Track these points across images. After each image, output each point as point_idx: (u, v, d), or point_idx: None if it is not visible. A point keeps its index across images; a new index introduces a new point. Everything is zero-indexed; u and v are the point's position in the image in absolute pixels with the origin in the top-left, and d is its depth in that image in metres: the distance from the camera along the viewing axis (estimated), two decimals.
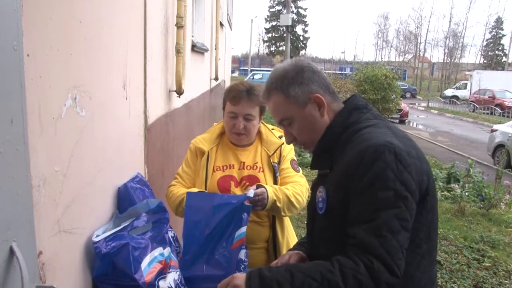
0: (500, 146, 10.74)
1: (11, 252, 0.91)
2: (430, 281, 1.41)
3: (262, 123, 2.23)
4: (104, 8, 1.55)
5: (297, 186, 2.11)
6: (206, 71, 6.25)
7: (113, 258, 1.38)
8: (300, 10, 60.06)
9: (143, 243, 1.47)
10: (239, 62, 60.21)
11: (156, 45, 2.50)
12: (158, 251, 1.52)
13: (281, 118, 1.47)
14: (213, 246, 1.81)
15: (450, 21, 57.38)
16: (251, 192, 1.88)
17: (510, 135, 10.37)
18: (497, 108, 24.98)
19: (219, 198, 1.86)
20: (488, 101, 26.29)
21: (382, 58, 67.89)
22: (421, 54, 59.44)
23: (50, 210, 1.13)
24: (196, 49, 4.56)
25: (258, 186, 1.98)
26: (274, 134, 2.23)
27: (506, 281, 4.23)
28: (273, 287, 1.25)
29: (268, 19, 62.58)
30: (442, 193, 7.22)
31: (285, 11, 27.34)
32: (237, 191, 2.09)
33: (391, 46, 68.53)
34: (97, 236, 1.42)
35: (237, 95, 2.06)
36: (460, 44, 56.66)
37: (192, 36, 4.65)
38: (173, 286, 1.52)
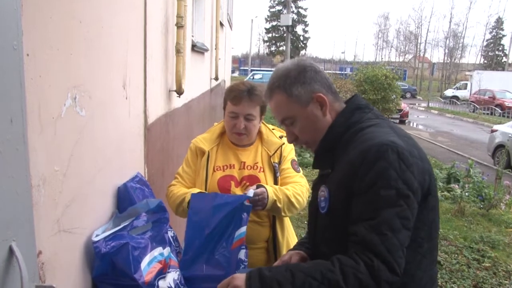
0: (500, 146, 10.74)
1: (11, 251, 0.91)
2: (431, 280, 1.41)
3: (263, 123, 2.23)
4: (104, 8, 1.55)
5: (297, 187, 2.11)
6: (206, 71, 6.25)
7: (113, 257, 1.38)
8: (300, 10, 60.08)
9: (142, 242, 1.46)
10: (239, 62, 60.20)
11: (156, 44, 2.50)
12: (157, 251, 1.52)
13: (283, 117, 1.47)
14: (213, 246, 1.81)
15: (450, 21, 57.53)
16: (251, 192, 1.88)
17: (510, 135, 10.37)
18: (497, 109, 24.98)
19: (220, 198, 1.87)
20: (488, 101, 26.30)
21: (382, 58, 67.96)
22: (421, 54, 59.49)
23: (50, 210, 1.13)
24: (196, 49, 4.56)
25: (258, 186, 1.98)
26: (274, 134, 2.23)
27: (506, 282, 4.24)
28: (273, 286, 1.25)
29: (268, 19, 62.60)
30: (442, 193, 7.21)
31: (285, 11, 27.34)
32: (237, 191, 2.09)
33: (391, 46, 68.62)
34: (97, 235, 1.42)
35: (238, 95, 2.06)
36: (460, 45, 56.70)
37: (192, 36, 4.65)
38: (173, 286, 1.52)
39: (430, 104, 31.18)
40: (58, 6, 1.16)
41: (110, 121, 1.63)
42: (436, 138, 16.12)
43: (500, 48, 60.69)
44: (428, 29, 68.45)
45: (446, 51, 55.72)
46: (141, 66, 2.15)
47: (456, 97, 32.91)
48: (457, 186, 7.05)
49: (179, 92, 3.02)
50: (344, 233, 1.31)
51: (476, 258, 4.70)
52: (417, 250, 1.32)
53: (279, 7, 59.79)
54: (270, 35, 64.42)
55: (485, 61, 60.77)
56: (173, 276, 1.56)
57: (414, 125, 20.46)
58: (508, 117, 22.22)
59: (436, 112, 27.58)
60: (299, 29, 59.46)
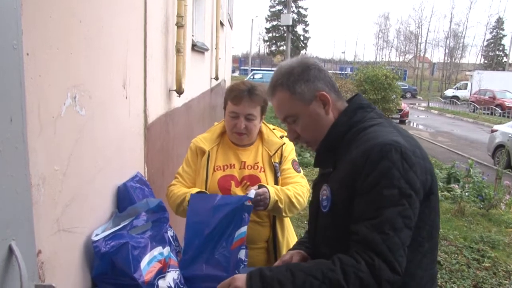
0: (500, 146, 10.74)
1: (10, 250, 0.91)
2: (431, 279, 1.41)
3: (263, 123, 2.23)
4: (104, 7, 1.55)
5: (298, 187, 2.11)
6: (207, 70, 6.24)
7: (113, 257, 1.38)
8: (300, 10, 60.05)
9: (142, 242, 1.46)
10: (239, 62, 60.18)
11: (156, 44, 2.50)
12: (157, 250, 1.52)
13: (285, 115, 1.47)
14: (213, 246, 1.81)
15: (450, 21, 57.58)
16: (252, 193, 1.88)
17: (510, 135, 10.37)
18: (497, 109, 24.97)
19: (220, 199, 1.87)
20: (489, 101, 26.28)
21: (382, 58, 67.96)
22: (422, 54, 59.48)
23: (50, 209, 1.13)
24: (197, 48, 4.56)
25: (260, 186, 1.98)
26: (275, 134, 2.23)
27: (505, 282, 4.24)
28: (274, 286, 1.24)
29: (269, 18, 62.56)
30: (442, 193, 7.21)
31: (285, 11, 27.34)
32: (238, 191, 2.09)
33: (392, 46, 68.59)
34: (97, 235, 1.42)
35: (239, 95, 2.06)
36: (461, 44, 56.65)
37: (193, 35, 4.65)
38: (173, 285, 1.52)
39: (430, 104, 31.18)
40: (58, 5, 1.16)
41: (110, 120, 1.63)
42: (436, 138, 16.12)
43: (501, 48, 60.67)
44: (428, 29, 68.47)
45: (447, 51, 55.74)
46: (141, 65, 2.15)
47: (456, 97, 32.90)
48: (457, 186, 7.05)
49: (179, 91, 3.02)
50: (345, 232, 1.31)
51: (476, 258, 4.70)
52: (418, 249, 1.32)
53: (279, 7, 59.78)
54: (270, 34, 64.39)
55: (486, 61, 60.75)
56: (172, 275, 1.56)
57: (414, 125, 20.46)
58: (508, 117, 22.21)
59: (436, 112, 27.58)
60: (299, 28, 59.45)
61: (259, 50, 76.53)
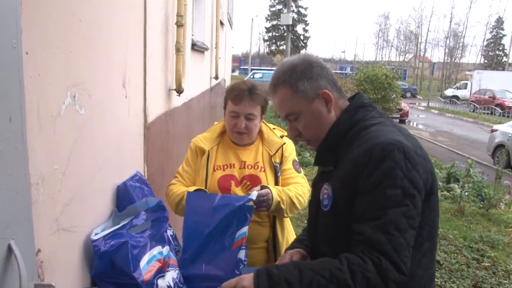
0: (500, 146, 10.74)
1: (9, 250, 0.91)
2: (430, 279, 1.42)
3: (263, 122, 2.23)
4: (104, 6, 1.55)
5: (299, 187, 2.11)
6: (206, 70, 6.24)
7: (112, 256, 1.37)
8: (300, 9, 60.02)
9: (142, 241, 1.46)
10: (239, 61, 60.24)
11: (156, 43, 2.50)
12: (157, 249, 1.52)
13: (287, 113, 1.46)
14: (212, 246, 1.81)
15: (450, 21, 57.54)
16: (254, 194, 1.87)
17: (510, 135, 10.36)
18: (497, 108, 24.97)
19: (220, 198, 1.85)
20: (489, 101, 26.28)
21: (382, 58, 67.96)
22: (422, 54, 59.42)
23: (49, 208, 1.13)
24: (196, 47, 4.55)
25: (263, 187, 1.98)
26: (275, 133, 2.23)
27: (505, 281, 4.24)
28: (281, 284, 1.24)
29: (269, 18, 62.51)
30: (442, 193, 7.22)
31: (285, 10, 27.31)
32: (238, 191, 2.09)
33: (392, 46, 68.55)
34: (96, 234, 1.42)
35: (239, 94, 2.06)
36: (461, 44, 56.61)
37: (192, 34, 4.65)
38: (172, 284, 1.52)
39: (430, 103, 31.17)
40: (57, 4, 1.16)
41: (109, 120, 1.63)
42: (436, 138, 16.12)
43: (501, 48, 60.65)
44: (428, 29, 68.62)
45: (447, 50, 55.69)
46: (141, 64, 2.15)
47: (456, 96, 32.88)
48: (457, 185, 7.05)
49: (179, 91, 3.02)
50: (346, 231, 1.31)
51: (476, 258, 4.71)
52: (418, 249, 1.32)
53: (279, 6, 59.74)
54: (270, 34, 64.35)
55: (486, 61, 60.73)
56: (172, 275, 1.56)
57: (414, 125, 20.45)
58: (508, 116, 22.21)
59: (436, 111, 27.57)
60: (299, 28, 59.41)
61: (259, 50, 76.58)
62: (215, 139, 2.19)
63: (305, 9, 62.66)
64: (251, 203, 1.84)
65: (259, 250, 2.14)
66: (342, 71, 34.51)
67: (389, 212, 1.21)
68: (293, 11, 43.58)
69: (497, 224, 6.05)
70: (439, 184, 7.67)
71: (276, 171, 2.14)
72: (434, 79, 50.62)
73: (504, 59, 56.82)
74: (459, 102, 30.50)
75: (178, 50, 2.88)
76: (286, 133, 2.25)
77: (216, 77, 7.12)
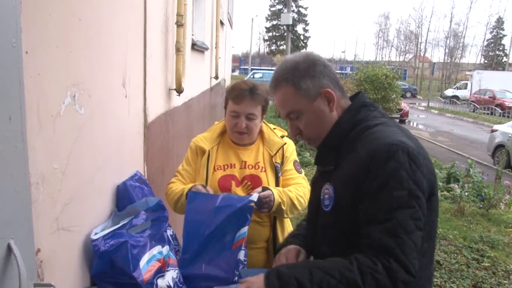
0: (500, 146, 10.74)
1: (9, 249, 0.91)
2: (428, 279, 1.42)
3: (264, 122, 2.23)
4: (104, 6, 1.55)
5: (300, 188, 2.11)
6: (206, 69, 6.24)
7: (112, 256, 1.37)
8: (300, 9, 60.04)
9: (141, 241, 1.46)
10: (239, 61, 60.23)
11: (156, 43, 2.50)
12: (156, 249, 1.52)
13: (288, 111, 1.44)
14: (213, 246, 1.81)
15: (451, 21, 57.51)
16: (255, 196, 1.87)
17: (510, 135, 10.36)
18: (497, 108, 24.96)
19: (222, 199, 1.85)
20: (489, 101, 26.27)
21: (382, 58, 67.95)
22: (422, 54, 59.41)
23: (49, 208, 1.13)
24: (196, 47, 4.55)
25: (264, 188, 1.98)
26: (276, 133, 2.22)
27: (505, 281, 4.24)
28: (292, 284, 1.24)
29: (269, 18, 62.55)
30: (442, 193, 7.22)
31: (285, 10, 27.31)
32: (238, 191, 2.09)
33: (392, 46, 68.54)
34: (96, 234, 1.42)
35: (240, 94, 2.05)
36: (461, 44, 56.60)
37: (192, 34, 4.64)
38: (172, 284, 1.52)
39: (430, 103, 31.16)
40: (57, 4, 1.16)
41: (109, 119, 1.63)
42: (436, 138, 16.12)
43: (501, 48, 60.67)
44: (428, 29, 68.61)
45: (447, 50, 55.67)
46: (141, 64, 2.15)
47: (456, 96, 32.88)
48: (457, 185, 7.05)
49: (179, 90, 3.02)
50: (347, 231, 1.31)
51: (476, 258, 4.70)
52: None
53: (279, 6, 59.77)
54: (270, 34, 64.38)
55: (486, 61, 60.75)
56: (172, 274, 1.56)
57: (414, 125, 20.45)
58: (508, 117, 22.20)
59: (436, 111, 27.57)
60: (299, 28, 59.45)
61: (259, 50, 76.58)
62: (215, 139, 2.19)
63: (305, 9, 62.75)
64: (252, 204, 1.84)
65: (259, 250, 2.14)
66: (342, 71, 34.52)
67: (396, 215, 1.21)
68: (293, 11, 43.59)
69: (497, 224, 6.05)
70: (439, 184, 7.68)
71: (277, 171, 2.14)
72: (434, 79, 50.60)
73: (504, 59, 56.84)
74: (459, 102, 30.50)
75: (178, 50, 2.88)
76: (286, 133, 2.25)
77: (216, 77, 7.12)
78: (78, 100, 1.29)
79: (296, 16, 54.55)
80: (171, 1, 2.88)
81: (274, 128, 2.27)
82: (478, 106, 25.63)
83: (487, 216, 6.32)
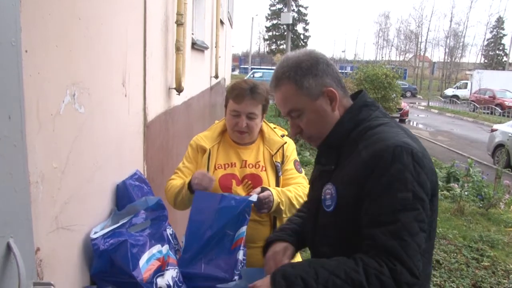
0: (500, 145, 10.74)
1: (8, 248, 0.91)
2: (427, 279, 1.42)
3: (264, 121, 2.23)
4: (104, 5, 1.55)
5: (299, 188, 2.11)
6: (206, 69, 6.24)
7: (111, 255, 1.37)
8: (301, 8, 60.08)
9: (141, 240, 1.46)
10: (239, 60, 60.19)
11: (156, 42, 2.50)
12: (156, 248, 1.52)
13: (290, 109, 1.42)
14: (212, 246, 1.81)
15: (451, 21, 57.47)
16: (254, 197, 1.88)
17: (510, 134, 10.36)
18: (497, 108, 24.97)
19: (223, 199, 1.85)
20: (489, 100, 26.27)
21: (382, 57, 67.91)
22: (422, 53, 59.39)
23: (48, 207, 1.13)
24: (196, 46, 4.55)
25: (263, 189, 1.98)
26: (276, 133, 2.22)
27: (504, 281, 4.24)
28: (298, 284, 1.24)
29: (269, 17, 62.58)
30: (442, 193, 7.22)
31: (286, 10, 27.30)
32: (239, 190, 2.10)
33: (392, 45, 68.51)
34: (95, 233, 1.42)
35: (241, 94, 2.05)
36: (461, 44, 56.57)
37: (192, 33, 4.64)
38: (171, 283, 1.52)
39: (430, 103, 31.16)
40: (57, 3, 1.16)
41: (109, 118, 1.63)
42: (436, 137, 16.12)
43: (501, 48, 60.67)
44: (428, 28, 68.73)
45: (447, 50, 55.63)
46: (140, 63, 2.14)
47: (456, 96, 32.87)
48: (456, 185, 7.05)
49: (179, 90, 3.02)
50: (348, 231, 1.31)
51: (475, 257, 4.71)
52: None
53: (279, 6, 59.79)
54: (270, 33, 64.41)
55: (486, 61, 60.74)
56: (171, 273, 1.56)
57: (414, 124, 20.45)
58: (508, 116, 22.21)
59: (436, 111, 27.57)
60: (299, 27, 59.48)
61: (259, 49, 76.56)
62: (216, 137, 2.19)
63: (306, 8, 62.76)
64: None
65: (259, 249, 2.12)
66: (342, 71, 34.48)
67: (401, 217, 1.21)
68: (293, 10, 43.59)
69: (497, 223, 6.06)
70: (439, 184, 7.68)
71: (277, 170, 2.14)
72: (434, 79, 50.60)
73: (504, 58, 56.86)
74: (459, 102, 30.49)
75: (178, 49, 2.88)
76: (286, 133, 2.25)
77: (216, 76, 7.12)
78: (78, 99, 1.29)
79: (296, 15, 54.60)
80: (171, 0, 2.88)
81: (275, 128, 2.27)
82: (478, 106, 25.64)
83: (486, 215, 6.33)
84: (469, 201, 6.80)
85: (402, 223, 1.20)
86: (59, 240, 1.20)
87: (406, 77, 50.79)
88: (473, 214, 6.35)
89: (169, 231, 1.78)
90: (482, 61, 61.31)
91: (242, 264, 1.77)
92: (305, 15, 61.25)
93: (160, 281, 1.47)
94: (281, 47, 58.18)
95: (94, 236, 1.40)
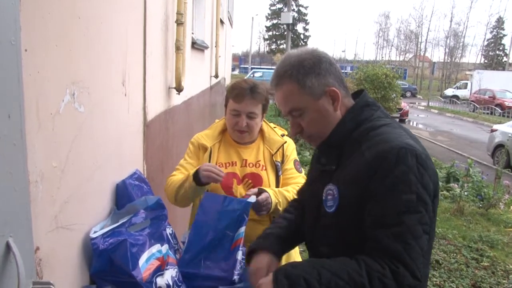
0: (499, 146, 10.74)
1: (8, 247, 0.90)
2: (426, 278, 1.42)
3: (264, 121, 2.23)
4: (104, 4, 1.55)
5: (298, 188, 2.11)
6: (206, 68, 6.24)
7: (111, 254, 1.37)
8: (301, 8, 60.10)
9: (141, 239, 1.46)
10: (239, 60, 60.18)
11: (156, 41, 2.50)
12: (156, 248, 1.52)
13: (291, 108, 1.40)
14: (213, 247, 1.81)
15: (451, 21, 57.48)
16: (253, 198, 1.89)
17: (510, 135, 10.36)
18: (497, 108, 24.98)
19: (227, 203, 1.85)
20: (488, 101, 26.28)
21: (382, 57, 67.93)
22: (422, 54, 59.41)
23: (48, 206, 1.13)
24: (196, 46, 4.55)
25: (260, 190, 1.98)
26: (276, 132, 2.23)
27: (504, 281, 4.24)
28: (301, 284, 1.24)
29: (269, 17, 62.61)
30: (442, 193, 7.22)
31: (286, 9, 27.30)
32: (240, 189, 2.10)
33: (392, 45, 68.51)
34: (95, 232, 1.42)
35: (241, 93, 2.05)
36: (461, 44, 56.59)
37: (192, 33, 4.64)
38: (171, 283, 1.52)
39: (430, 103, 31.16)
40: (57, 2, 1.15)
41: (109, 117, 1.62)
42: (436, 137, 16.13)
43: (501, 48, 60.71)
44: (428, 28, 68.76)
45: (447, 50, 55.66)
46: (140, 63, 2.14)
47: (456, 96, 32.88)
48: (456, 185, 7.05)
49: (179, 89, 3.02)
50: (349, 233, 1.31)
51: (475, 258, 4.71)
52: None
53: (279, 5, 59.82)
54: (270, 33, 64.44)
55: (486, 61, 60.77)
56: (171, 273, 1.56)
57: (414, 124, 20.45)
58: (508, 116, 22.22)
59: (436, 111, 27.57)
60: (299, 27, 59.51)
61: (259, 49, 76.56)
62: (216, 136, 2.19)
63: (306, 8, 62.80)
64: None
65: None
66: (342, 71, 34.44)
67: (405, 219, 1.20)
68: (293, 10, 43.59)
69: (497, 224, 6.06)
70: (439, 185, 7.68)
71: (277, 170, 2.15)
72: (434, 79, 50.56)
73: (504, 59, 56.87)
74: (459, 102, 30.50)
75: (178, 48, 2.87)
76: (286, 132, 2.25)
77: (216, 76, 7.12)
78: (78, 98, 1.29)
79: (296, 15, 54.62)
80: (171, 0, 2.88)
81: (274, 127, 2.27)
82: (478, 106, 25.65)
83: (486, 215, 6.33)
84: (469, 201, 6.80)
85: (406, 225, 1.20)
86: (59, 239, 1.20)
87: (406, 77, 50.81)
88: (472, 214, 6.36)
89: (168, 230, 1.78)
90: (482, 61, 61.34)
91: (242, 264, 1.77)
92: (305, 14, 61.29)
93: (159, 280, 1.47)
94: (281, 46, 58.22)
95: (94, 236, 1.40)
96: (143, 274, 1.39)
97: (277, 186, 2.14)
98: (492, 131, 11.51)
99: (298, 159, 2.26)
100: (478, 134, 17.22)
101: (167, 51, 2.81)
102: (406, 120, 20.04)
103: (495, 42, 59.14)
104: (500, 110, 24.49)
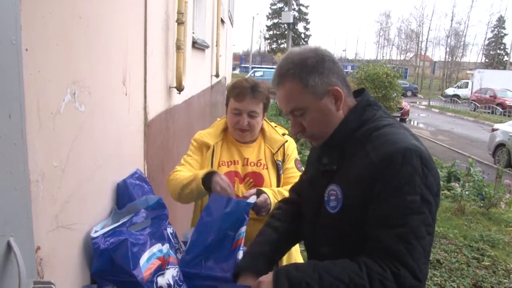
0: (500, 145, 10.74)
1: (9, 247, 0.90)
2: (425, 277, 1.42)
3: (265, 120, 2.23)
4: (105, 4, 1.54)
5: None
6: (207, 67, 6.23)
7: (112, 254, 1.37)
8: (301, 7, 60.08)
9: (141, 239, 1.46)
10: (240, 59, 60.16)
11: (157, 41, 2.50)
12: (156, 247, 1.52)
13: (293, 107, 1.37)
14: (214, 247, 1.81)
15: (452, 20, 57.08)
16: (253, 198, 1.89)
17: (511, 134, 10.36)
18: (498, 107, 24.97)
19: (230, 205, 1.85)
20: (489, 100, 26.26)
21: (383, 56, 67.86)
22: (423, 53, 59.42)
23: (49, 206, 1.13)
24: (197, 45, 4.55)
25: (259, 191, 1.98)
26: (277, 131, 2.23)
27: (505, 280, 4.24)
28: (302, 287, 1.24)
29: (270, 16, 62.62)
30: (443, 192, 7.22)
31: (286, 9, 27.29)
32: (242, 188, 2.11)
33: (393, 45, 68.47)
34: (96, 231, 1.42)
35: (242, 92, 2.06)
36: (462, 43, 56.57)
37: (193, 32, 4.63)
38: (172, 282, 1.52)
39: (431, 102, 31.14)
40: (57, 1, 1.15)
41: (109, 117, 1.62)
42: (436, 137, 16.12)
43: (502, 47, 60.65)
44: (429, 28, 68.64)
45: (448, 49, 55.61)
46: (141, 62, 2.14)
47: (457, 95, 32.85)
48: (457, 184, 7.05)
49: (180, 88, 3.01)
50: (350, 233, 1.31)
51: (476, 257, 4.70)
52: None
53: (280, 5, 59.81)
54: (271, 32, 64.45)
55: (487, 60, 60.76)
56: (172, 273, 1.56)
57: (415, 124, 20.44)
58: (509, 116, 22.21)
59: (437, 110, 27.56)
60: (300, 26, 59.49)
61: (259, 48, 76.53)
62: (218, 134, 2.20)
63: (306, 7, 62.70)
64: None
65: None
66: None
67: (409, 220, 1.20)
68: (294, 9, 43.57)
69: (498, 223, 6.05)
70: (440, 184, 7.68)
71: (278, 169, 2.15)
72: (435, 78, 50.49)
73: (505, 58, 56.79)
74: (460, 101, 30.47)
75: (178, 47, 2.87)
76: (287, 131, 2.25)
77: (217, 75, 7.12)
78: (78, 97, 1.29)
79: (297, 14, 54.59)
80: None
81: (275, 126, 2.27)
82: (479, 105, 25.62)
83: (487, 215, 6.32)
84: (470, 200, 6.80)
85: (410, 226, 1.20)
86: (60, 239, 1.20)
87: (407, 77, 50.72)
88: (473, 213, 6.35)
89: (169, 230, 1.77)
90: (483, 60, 61.32)
91: None
92: (306, 14, 61.30)
93: (160, 280, 1.47)
94: (282, 46, 58.23)
95: (95, 235, 1.40)
96: (144, 273, 1.39)
97: (278, 185, 2.14)
98: (493, 130, 11.51)
99: (299, 158, 2.26)
100: (479, 134, 17.21)
101: (167, 50, 2.81)
102: (407, 119, 20.02)
103: (496, 41, 59.10)
104: (501, 109, 24.48)
